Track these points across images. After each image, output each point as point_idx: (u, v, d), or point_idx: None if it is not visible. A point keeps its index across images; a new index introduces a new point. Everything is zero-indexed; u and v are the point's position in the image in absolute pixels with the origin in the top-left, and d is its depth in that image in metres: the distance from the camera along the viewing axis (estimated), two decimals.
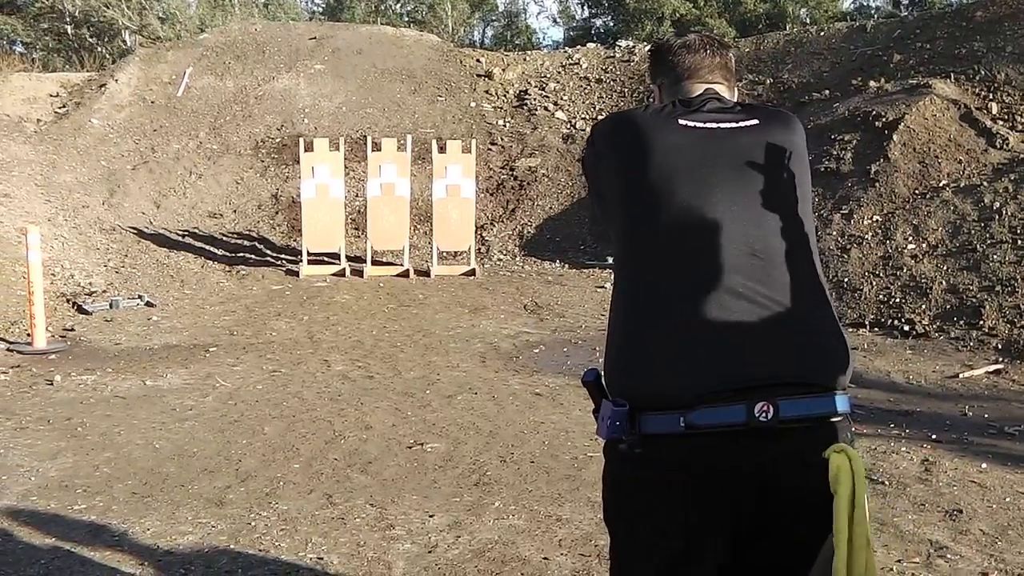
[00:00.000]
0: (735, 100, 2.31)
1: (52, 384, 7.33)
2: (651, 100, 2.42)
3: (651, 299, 2.02)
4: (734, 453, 1.89)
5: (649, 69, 2.47)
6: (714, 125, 2.14)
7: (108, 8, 25.70)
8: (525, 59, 19.69)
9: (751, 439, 1.88)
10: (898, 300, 9.40)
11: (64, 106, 16.74)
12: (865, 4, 32.01)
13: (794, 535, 1.92)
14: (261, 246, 13.88)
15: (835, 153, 12.36)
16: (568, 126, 17.11)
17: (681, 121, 2.14)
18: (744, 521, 1.92)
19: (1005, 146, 11.29)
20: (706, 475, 1.90)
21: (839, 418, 1.98)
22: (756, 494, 1.89)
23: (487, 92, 18.25)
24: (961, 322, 8.70)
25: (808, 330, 1.98)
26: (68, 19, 26.40)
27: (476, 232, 13.73)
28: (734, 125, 2.14)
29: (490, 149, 16.50)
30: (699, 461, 1.90)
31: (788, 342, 1.95)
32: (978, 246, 9.59)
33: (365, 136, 14.70)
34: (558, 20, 37.16)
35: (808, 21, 26.94)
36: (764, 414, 1.87)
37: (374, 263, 12.96)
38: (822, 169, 11.93)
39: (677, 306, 1.97)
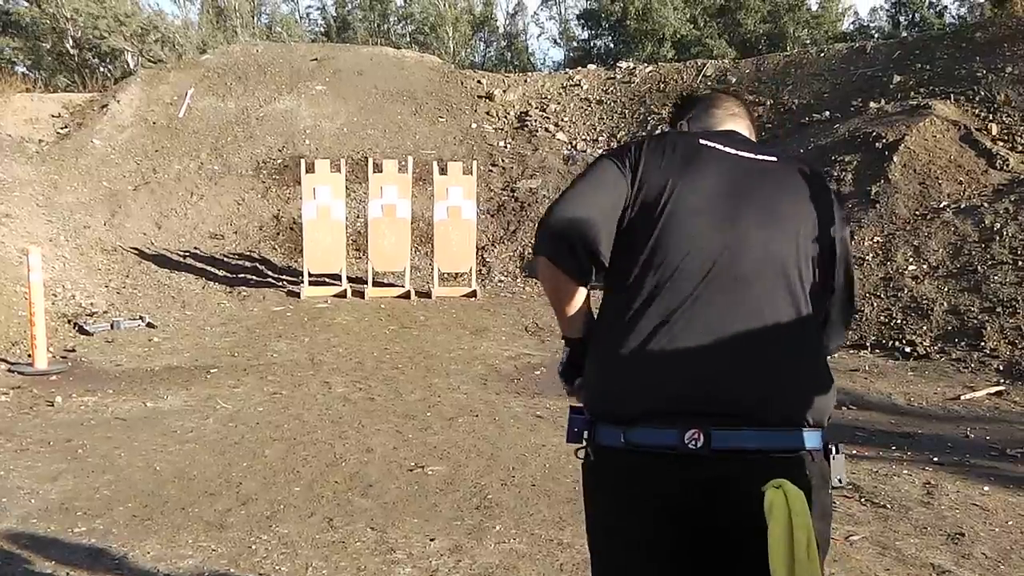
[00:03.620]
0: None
1: (53, 405, 7.32)
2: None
3: (623, 316, 2.06)
4: (666, 473, 1.93)
5: (671, 116, 2.49)
6: (732, 151, 2.17)
7: (109, 35, 25.79)
8: (526, 80, 19.74)
9: (684, 463, 1.92)
10: (899, 321, 9.40)
11: (66, 127, 16.77)
12: (865, 25, 32.17)
13: (740, 560, 1.93)
14: (262, 267, 13.88)
15: (836, 174, 12.38)
16: (569, 147, 17.13)
17: (702, 141, 2.18)
18: (686, 538, 1.94)
19: (1005, 167, 11.32)
20: (641, 490, 1.96)
21: (790, 454, 1.96)
22: (690, 512, 1.92)
23: (488, 113, 18.29)
24: (962, 343, 8.70)
25: (765, 364, 1.99)
26: (70, 40, 26.49)
27: (477, 253, 13.73)
28: (753, 156, 2.17)
29: (491, 170, 16.52)
30: (636, 475, 1.96)
31: (745, 375, 1.97)
32: (979, 267, 9.59)
33: (366, 157, 14.73)
34: (559, 41, 37.29)
35: (808, 42, 27.02)
36: (694, 441, 1.91)
37: (375, 284, 12.96)
38: None
39: (643, 326, 2.01)
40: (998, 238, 9.89)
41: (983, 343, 8.55)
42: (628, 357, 2.00)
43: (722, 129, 2.30)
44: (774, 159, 2.19)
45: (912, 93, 14.04)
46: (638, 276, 2.06)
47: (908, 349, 8.90)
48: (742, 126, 2.36)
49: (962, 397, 7.51)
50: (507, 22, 36.97)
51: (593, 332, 2.17)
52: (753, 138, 2.38)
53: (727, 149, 2.17)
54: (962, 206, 10.86)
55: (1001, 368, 8.12)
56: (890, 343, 9.13)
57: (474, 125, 17.87)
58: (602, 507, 2.08)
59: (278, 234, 14.86)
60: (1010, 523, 4.82)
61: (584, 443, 2.09)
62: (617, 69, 19.69)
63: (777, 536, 1.79)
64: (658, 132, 2.39)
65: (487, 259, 14.53)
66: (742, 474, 1.90)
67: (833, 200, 2.21)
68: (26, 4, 26.08)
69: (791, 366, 2.02)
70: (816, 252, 2.13)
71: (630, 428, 1.94)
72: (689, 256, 2.03)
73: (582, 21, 33.87)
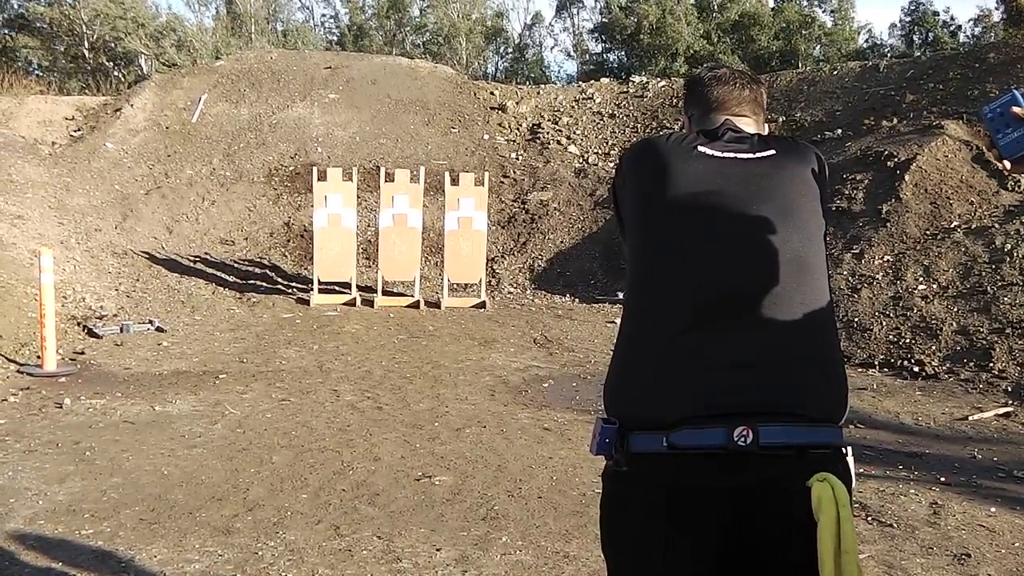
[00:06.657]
0: (761, 133, 2.34)
1: (61, 407, 7.34)
2: (680, 129, 2.46)
3: (648, 322, 2.07)
4: (713, 473, 1.91)
5: (683, 100, 2.51)
6: (731, 155, 2.17)
7: (126, 38, 25.90)
8: (539, 93, 19.79)
9: (731, 461, 1.90)
10: (908, 341, 9.39)
11: (79, 129, 16.85)
12: (879, 44, 32.18)
13: (785, 559, 1.92)
14: (272, 274, 13.91)
15: (847, 192, 12.38)
16: (580, 160, 17.16)
17: (700, 149, 2.19)
18: (729, 542, 1.92)
19: (1017, 188, 11.30)
20: (684, 493, 1.93)
21: (827, 449, 1.98)
22: (735, 514, 1.91)
23: (500, 125, 18.33)
24: (971, 364, 8.68)
25: (799, 362, 1.99)
26: (87, 44, 26.60)
27: (487, 265, 13.75)
28: (750, 155, 2.18)
29: (502, 182, 16.55)
30: (679, 479, 1.94)
31: (776, 372, 1.97)
32: (989, 288, 9.58)
33: (378, 166, 14.78)
34: (572, 54, 37.37)
35: (822, 59, 27.04)
36: (743, 439, 1.89)
37: (385, 293, 13.00)
38: (833, 208, 11.94)
39: (670, 331, 2.01)
40: (1008, 259, 9.88)
41: (992, 364, 8.53)
42: (663, 363, 2.00)
43: (722, 128, 2.29)
44: (772, 152, 2.19)
45: (924, 113, 14.05)
46: (663, 284, 2.07)
47: (916, 369, 8.88)
48: (747, 121, 2.35)
49: (970, 418, 7.49)
50: (523, 33, 37.06)
51: (618, 340, 2.17)
52: (761, 124, 2.38)
53: (725, 154, 2.18)
54: (973, 226, 10.85)
55: (1009, 389, 8.10)
56: (898, 362, 9.11)
57: (486, 136, 17.91)
58: (634, 517, 2.04)
59: (289, 241, 14.89)
60: (1016, 544, 4.81)
61: (612, 453, 2.05)
62: (630, 83, 19.74)
63: (826, 527, 1.81)
64: (646, 144, 2.36)
65: (497, 271, 14.56)
66: (784, 471, 1.91)
67: (826, 178, 2.24)
68: (45, 5, 26.20)
69: (824, 361, 2.04)
70: (823, 234, 2.17)
71: (673, 432, 1.92)
72: (712, 260, 2.04)
73: (596, 35, 33.94)
